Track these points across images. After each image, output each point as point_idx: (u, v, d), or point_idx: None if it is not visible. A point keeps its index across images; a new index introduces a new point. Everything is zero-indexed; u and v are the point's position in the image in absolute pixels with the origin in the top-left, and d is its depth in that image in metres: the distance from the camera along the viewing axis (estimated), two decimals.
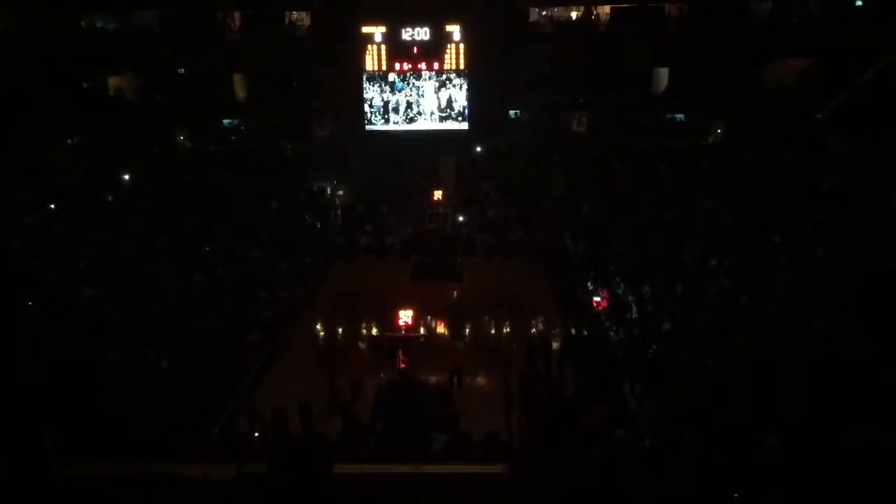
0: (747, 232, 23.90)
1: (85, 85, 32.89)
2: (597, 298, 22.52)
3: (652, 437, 14.95)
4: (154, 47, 33.08)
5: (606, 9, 34.44)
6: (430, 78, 33.80)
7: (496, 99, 34.29)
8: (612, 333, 20.89)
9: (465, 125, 34.38)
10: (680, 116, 34.62)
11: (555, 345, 20.42)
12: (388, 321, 21.59)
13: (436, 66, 33.57)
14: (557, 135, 35.70)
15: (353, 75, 33.75)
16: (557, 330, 21.82)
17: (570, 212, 30.65)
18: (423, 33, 33.13)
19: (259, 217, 29.91)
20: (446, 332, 22.11)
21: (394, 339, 20.74)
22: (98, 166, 29.46)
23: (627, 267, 24.07)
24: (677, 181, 30.24)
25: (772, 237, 23.09)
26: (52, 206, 26.82)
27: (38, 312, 19.73)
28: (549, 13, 35.52)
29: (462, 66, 33.49)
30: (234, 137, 35.79)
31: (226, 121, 36.18)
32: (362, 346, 21.36)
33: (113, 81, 33.91)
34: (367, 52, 33.49)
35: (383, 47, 33.43)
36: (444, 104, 34.19)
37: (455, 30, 33.08)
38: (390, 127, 34.47)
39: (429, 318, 22.40)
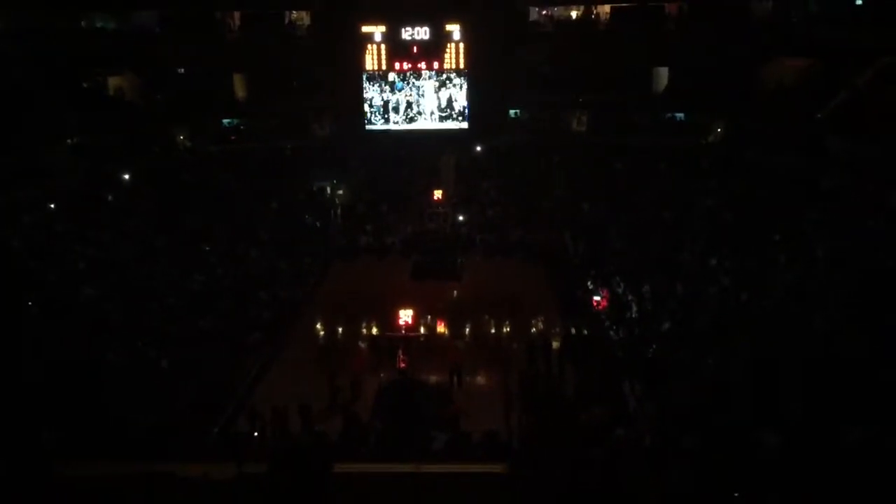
0: (747, 231, 23.89)
1: (85, 85, 32.86)
2: (597, 298, 22.54)
3: (652, 436, 14.96)
4: (154, 47, 33.05)
5: (606, 8, 34.42)
6: (430, 77, 33.81)
7: (496, 98, 34.30)
8: (612, 333, 20.90)
9: (465, 125, 34.39)
10: (680, 116, 34.61)
11: (555, 344, 20.42)
12: (388, 321, 21.56)
13: (436, 65, 33.58)
14: (557, 134, 35.69)
15: (353, 75, 33.76)
16: (557, 329, 21.81)
17: (570, 211, 30.65)
18: (422, 33, 33.14)
19: (259, 217, 29.91)
20: (446, 332, 22.12)
21: (394, 338, 20.72)
22: (98, 166, 29.43)
23: (627, 266, 24.08)
24: (677, 180, 30.22)
25: (772, 236, 23.08)
26: (52, 206, 26.80)
27: (38, 312, 19.72)
28: (549, 12, 35.50)
29: (462, 66, 33.49)
30: (233, 137, 35.77)
31: (226, 121, 36.17)
32: (362, 345, 21.36)
33: (113, 81, 33.88)
34: (367, 51, 33.50)
35: (383, 47, 33.43)
36: (444, 104, 34.20)
37: (455, 29, 33.09)
38: (390, 127, 34.48)
39: (429, 317, 22.40)
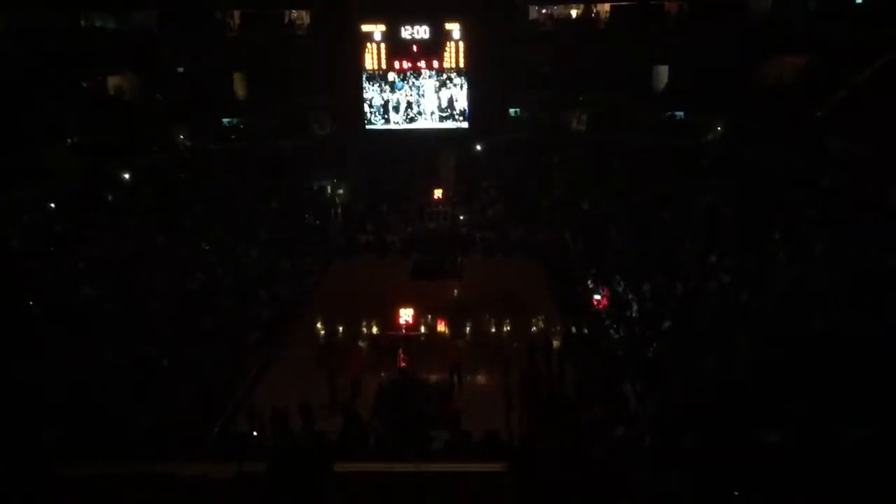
0: (747, 230, 23.88)
1: (85, 84, 32.86)
2: (597, 297, 22.52)
3: (652, 435, 14.95)
4: (153, 46, 33.07)
5: (606, 7, 34.46)
6: (430, 77, 33.80)
7: (496, 97, 34.30)
8: (612, 332, 20.90)
9: (465, 124, 34.39)
10: (679, 114, 34.57)
11: (555, 343, 20.39)
12: (389, 320, 21.56)
13: (435, 64, 33.58)
14: (557, 133, 35.67)
15: (353, 74, 33.76)
16: (558, 328, 21.78)
17: (570, 210, 30.62)
18: (422, 31, 33.14)
19: (259, 216, 29.88)
20: (446, 331, 22.07)
21: (394, 337, 20.74)
22: (98, 166, 29.44)
23: (627, 265, 24.06)
24: (677, 179, 30.20)
25: (771, 235, 23.08)
26: (52, 205, 26.81)
27: (38, 312, 19.73)
28: (549, 11, 35.53)
29: (462, 65, 33.49)
30: (233, 136, 35.72)
31: (225, 120, 36.13)
32: (362, 344, 21.34)
33: (112, 81, 33.87)
34: (367, 50, 33.51)
35: (383, 46, 33.43)
36: (444, 104, 34.19)
37: (455, 28, 33.10)
38: (390, 126, 34.46)
39: (429, 316, 22.35)
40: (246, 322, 21.52)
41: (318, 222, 30.91)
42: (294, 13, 35.43)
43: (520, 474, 13.03)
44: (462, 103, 34.11)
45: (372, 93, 34.13)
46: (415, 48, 33.35)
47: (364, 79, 33.88)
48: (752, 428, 13.57)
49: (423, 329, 21.69)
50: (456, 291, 25.80)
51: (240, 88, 36.58)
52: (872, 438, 12.22)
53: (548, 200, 31.69)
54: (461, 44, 33.21)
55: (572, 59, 34.29)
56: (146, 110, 33.50)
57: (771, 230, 23.26)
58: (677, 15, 33.70)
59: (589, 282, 24.11)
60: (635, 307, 21.41)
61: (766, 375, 15.55)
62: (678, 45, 32.98)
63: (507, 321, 22.15)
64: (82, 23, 33.41)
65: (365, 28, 33.17)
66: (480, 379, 19.69)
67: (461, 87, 33.87)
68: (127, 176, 30.24)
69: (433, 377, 19.17)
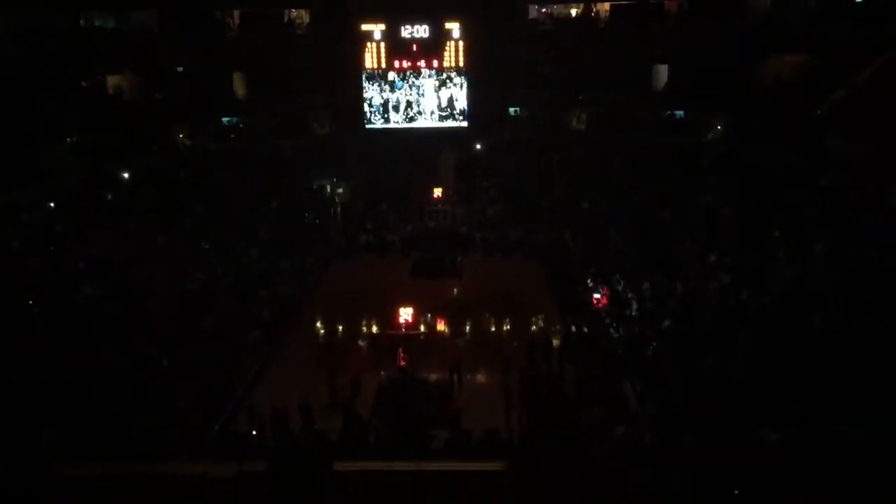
0: (747, 229, 23.88)
1: (84, 84, 32.84)
2: (597, 296, 22.53)
3: (652, 435, 14.96)
4: (153, 46, 33.00)
5: (606, 6, 34.41)
6: (429, 76, 33.79)
7: (495, 96, 34.27)
8: (612, 331, 20.90)
9: (464, 123, 34.37)
10: (679, 113, 34.53)
11: (555, 342, 20.41)
12: (389, 319, 21.58)
13: (435, 63, 33.55)
14: (557, 132, 35.64)
15: (353, 73, 33.73)
16: (557, 327, 21.80)
17: (570, 209, 30.63)
18: (422, 31, 33.11)
19: (259, 216, 29.89)
20: (446, 330, 22.11)
21: (394, 336, 20.75)
22: (98, 165, 29.43)
23: (627, 264, 24.06)
24: (677, 178, 30.20)
25: (771, 234, 23.08)
26: (52, 205, 26.80)
27: (38, 312, 19.73)
28: (549, 10, 35.48)
29: (461, 64, 33.47)
30: (233, 136, 35.67)
31: (225, 119, 36.09)
32: (362, 343, 21.36)
33: (112, 80, 33.84)
34: (367, 49, 33.48)
35: (383, 45, 33.40)
36: (444, 103, 34.17)
37: (454, 27, 33.07)
38: (390, 126, 34.45)
39: (429, 315, 22.38)
40: (246, 322, 21.53)
41: (317, 222, 30.92)
42: (294, 12, 35.38)
43: (520, 473, 13.03)
44: (462, 103, 34.11)
45: (372, 92, 34.11)
46: (415, 47, 33.33)
47: (364, 78, 33.86)
48: (752, 428, 13.57)
49: (422, 328, 21.73)
50: (456, 290, 25.82)
51: (239, 88, 36.54)
52: (872, 438, 12.22)
53: (548, 200, 31.69)
54: (461, 43, 33.20)
55: (572, 58, 34.26)
56: (146, 110, 33.48)
57: (771, 230, 23.26)
58: (677, 14, 33.66)
59: (589, 281, 24.11)
60: (635, 306, 21.41)
61: (765, 375, 15.55)
62: (678, 45, 32.94)
63: (507, 320, 22.18)
64: (82, 23, 33.35)
65: (365, 27, 33.14)
66: (480, 378, 19.69)
67: (461, 86, 33.87)
68: (127, 176, 30.25)
69: (433, 376, 19.20)
